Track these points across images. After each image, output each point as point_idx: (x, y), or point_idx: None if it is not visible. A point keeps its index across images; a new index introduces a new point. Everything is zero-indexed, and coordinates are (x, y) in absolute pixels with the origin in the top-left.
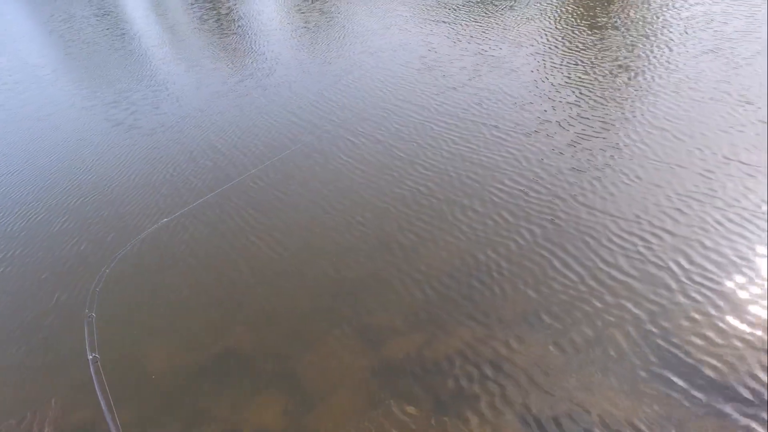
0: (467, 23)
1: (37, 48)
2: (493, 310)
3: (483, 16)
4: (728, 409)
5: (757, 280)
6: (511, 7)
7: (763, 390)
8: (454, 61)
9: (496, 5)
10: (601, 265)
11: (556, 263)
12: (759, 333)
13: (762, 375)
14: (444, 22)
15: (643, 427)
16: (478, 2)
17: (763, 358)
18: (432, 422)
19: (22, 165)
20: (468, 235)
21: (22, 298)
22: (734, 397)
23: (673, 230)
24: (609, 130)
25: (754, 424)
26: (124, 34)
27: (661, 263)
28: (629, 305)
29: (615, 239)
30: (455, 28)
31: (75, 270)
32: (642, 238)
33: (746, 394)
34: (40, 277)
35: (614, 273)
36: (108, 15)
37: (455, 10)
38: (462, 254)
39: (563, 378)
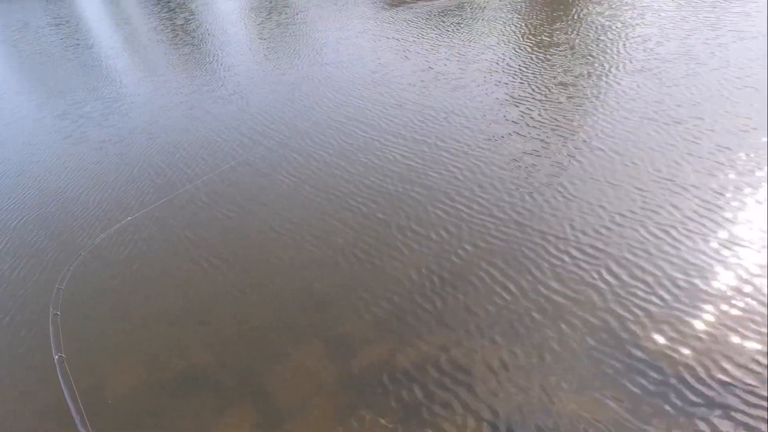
0: (417, 39)
1: None
2: (454, 319)
3: (433, 32)
4: (675, 408)
5: (686, 291)
6: (458, 24)
7: (704, 389)
8: (402, 77)
9: (444, 22)
10: (542, 278)
11: (498, 276)
12: (686, 341)
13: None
14: (395, 38)
15: (608, 427)
16: (428, 18)
17: (707, 361)
18: None
19: None
20: (424, 248)
21: None
22: (682, 396)
23: (604, 247)
24: (548, 148)
25: (699, 422)
26: (78, 44)
27: (592, 277)
28: (584, 314)
29: (553, 254)
30: (405, 44)
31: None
32: (573, 254)
33: (689, 393)
34: None
35: (554, 285)
36: (63, 24)
37: (407, 24)
38: (418, 267)
39: (528, 382)
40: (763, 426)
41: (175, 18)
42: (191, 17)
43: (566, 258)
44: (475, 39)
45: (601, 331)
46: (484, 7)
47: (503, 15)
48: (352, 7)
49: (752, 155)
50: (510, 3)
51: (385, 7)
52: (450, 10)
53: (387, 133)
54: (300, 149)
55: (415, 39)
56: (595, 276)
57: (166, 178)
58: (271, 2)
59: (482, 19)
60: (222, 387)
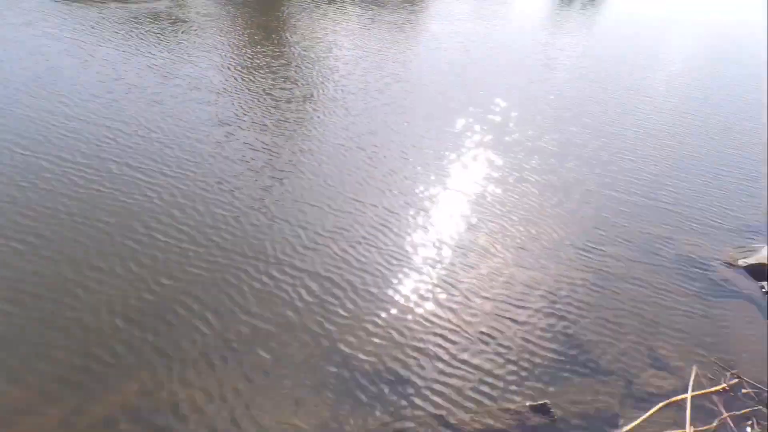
0: (103, 43)
1: None
2: (148, 362)
3: (125, 38)
4: (370, 400)
5: (368, 298)
6: (157, 33)
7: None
8: (82, 87)
9: (140, 29)
10: (244, 304)
11: (197, 308)
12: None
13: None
14: (73, 39)
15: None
16: (121, 23)
17: (386, 357)
18: None
19: None
20: (107, 287)
21: None
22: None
23: (301, 265)
24: (253, 170)
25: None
26: None
27: (291, 296)
28: (282, 333)
29: (255, 277)
30: (87, 47)
31: None
32: (274, 275)
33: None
34: None
35: (255, 309)
36: None
37: (92, 26)
38: (98, 311)
39: (234, 409)
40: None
41: None
42: None
43: (267, 280)
44: (175, 52)
45: (299, 347)
46: (186, 21)
47: (205, 29)
48: None
49: (411, 179)
50: (212, 19)
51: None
52: (146, 17)
53: (62, 151)
54: None
55: (100, 43)
56: (294, 295)
57: None
58: None
59: (184, 32)
60: None
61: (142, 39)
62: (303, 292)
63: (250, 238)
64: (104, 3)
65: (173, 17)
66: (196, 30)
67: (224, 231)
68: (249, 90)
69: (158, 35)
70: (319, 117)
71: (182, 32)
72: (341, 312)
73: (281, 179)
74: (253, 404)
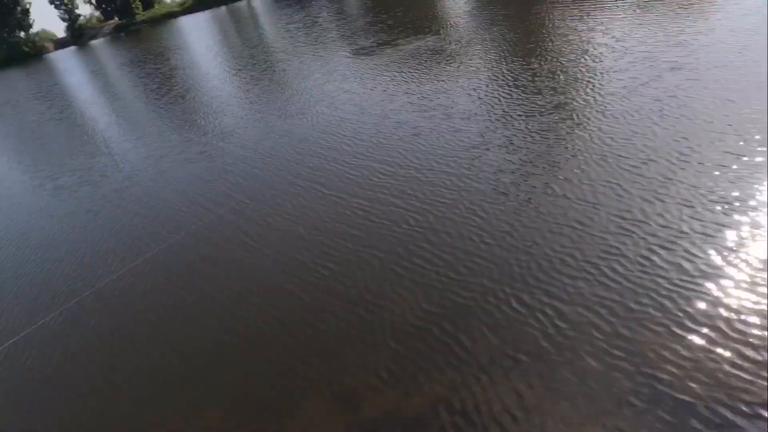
0: (379, 86)
1: None
2: (463, 356)
3: (399, 76)
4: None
5: None
6: (439, 51)
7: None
8: (361, 129)
9: (412, 60)
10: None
11: (516, 304)
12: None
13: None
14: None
15: None
16: (401, 61)
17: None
18: None
19: None
20: (422, 286)
21: None
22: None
23: (561, 294)
24: (504, 193)
25: None
26: (60, 115)
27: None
28: (593, 340)
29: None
30: (363, 92)
31: None
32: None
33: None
34: None
35: (562, 307)
36: (45, 96)
37: (398, 63)
38: (420, 306)
39: (545, 414)
40: None
41: (167, 88)
42: (168, 79)
43: (519, 305)
44: (431, 85)
45: (607, 355)
46: (443, 52)
47: (460, 58)
48: (331, 53)
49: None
50: (468, 47)
51: (364, 52)
52: (410, 55)
53: (347, 187)
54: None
55: (373, 86)
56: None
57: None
58: (247, 57)
59: (440, 64)
60: None
61: (404, 77)
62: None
63: (501, 262)
64: (381, 48)
65: (433, 51)
66: (450, 61)
67: (476, 256)
68: (498, 110)
69: (417, 71)
70: (572, 126)
71: (438, 64)
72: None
73: (533, 200)
74: (547, 412)
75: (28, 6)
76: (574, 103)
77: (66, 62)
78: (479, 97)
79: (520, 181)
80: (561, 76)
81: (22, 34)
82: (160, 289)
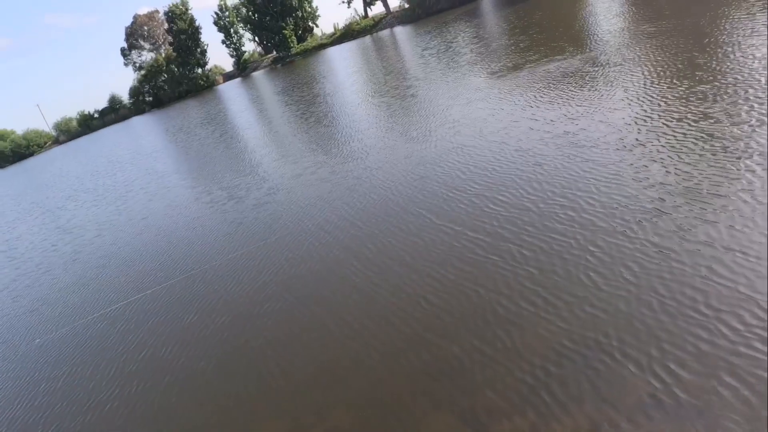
0: (514, 111)
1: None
2: (606, 393)
3: (537, 100)
4: None
5: None
6: (572, 73)
7: None
8: (505, 144)
9: (555, 82)
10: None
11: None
12: None
13: None
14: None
15: None
16: (543, 82)
17: None
18: None
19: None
20: (574, 315)
21: None
22: None
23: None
24: (629, 237)
25: None
26: (224, 136)
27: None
28: None
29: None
30: (497, 116)
31: None
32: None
33: None
34: None
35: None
36: (211, 122)
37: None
38: (568, 334)
39: None
40: None
41: (309, 111)
42: (311, 105)
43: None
44: (565, 109)
45: None
46: (587, 73)
47: (607, 78)
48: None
49: None
50: (621, 65)
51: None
52: (554, 77)
53: (473, 225)
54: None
55: (511, 110)
56: None
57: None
58: (381, 83)
59: (580, 87)
60: None
61: (531, 101)
62: None
63: (615, 311)
64: (511, 71)
65: (566, 74)
66: (584, 84)
67: (595, 305)
68: (634, 137)
69: (545, 95)
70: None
71: (570, 88)
72: None
73: (664, 243)
74: None
75: (206, 47)
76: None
77: (231, 92)
78: (613, 124)
79: (651, 221)
80: (725, 104)
81: (200, 70)
82: (279, 297)
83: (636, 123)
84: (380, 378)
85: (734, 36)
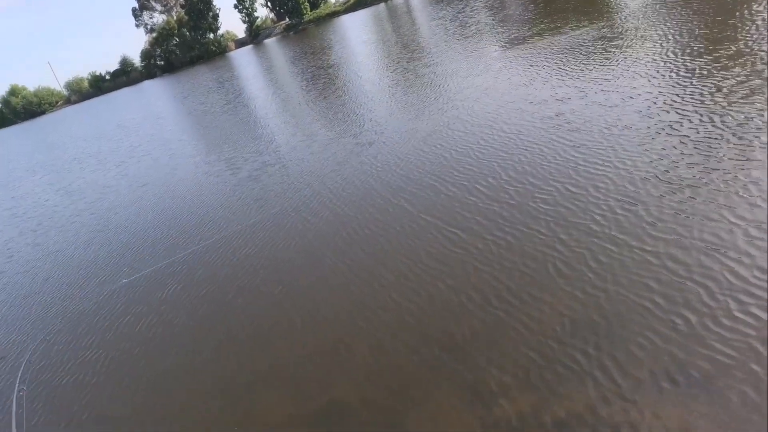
0: (523, 86)
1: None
2: (619, 369)
3: (548, 71)
4: None
5: None
6: (595, 42)
7: None
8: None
9: (567, 54)
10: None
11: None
12: None
13: None
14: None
15: None
16: (559, 54)
17: None
18: None
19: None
20: (588, 289)
21: None
22: None
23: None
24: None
25: None
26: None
27: None
28: None
29: None
30: (502, 93)
31: None
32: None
33: None
34: None
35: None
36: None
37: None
38: (582, 308)
39: None
40: None
41: (317, 80)
42: (322, 71)
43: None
44: (578, 85)
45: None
46: (606, 46)
47: (622, 53)
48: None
49: None
50: (640, 39)
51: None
52: (568, 48)
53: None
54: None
55: (521, 84)
56: None
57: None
58: (396, 52)
59: (594, 62)
60: (363, 425)
61: (549, 71)
62: None
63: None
64: (527, 41)
65: (593, 44)
66: (605, 55)
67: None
68: (664, 119)
69: (564, 66)
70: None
71: (590, 59)
72: None
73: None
74: None
75: (218, 11)
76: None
77: (242, 59)
78: (630, 100)
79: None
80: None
81: (211, 35)
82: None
83: (655, 100)
84: (385, 354)
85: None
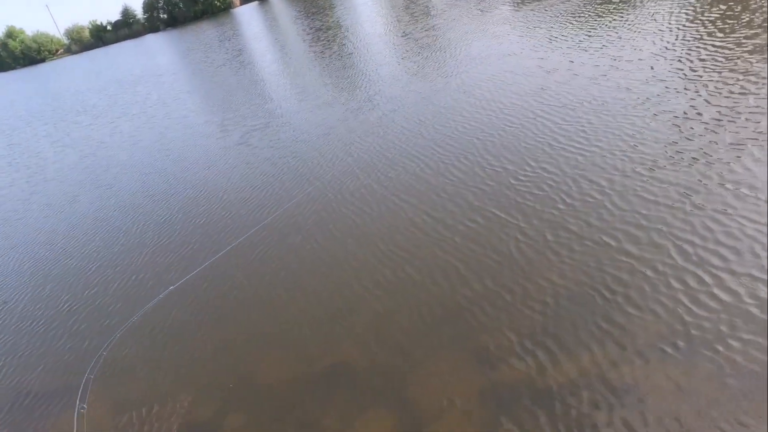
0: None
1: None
2: (621, 333)
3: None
4: None
5: None
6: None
7: None
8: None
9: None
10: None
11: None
12: None
13: None
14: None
15: None
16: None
17: None
18: None
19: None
20: (592, 250)
21: None
22: None
23: None
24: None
25: None
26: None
27: None
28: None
29: None
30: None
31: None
32: None
33: None
34: None
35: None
36: (227, 41)
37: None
38: (586, 271)
39: (704, 410)
40: None
41: (321, 38)
42: (325, 32)
43: None
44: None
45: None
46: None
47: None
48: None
49: None
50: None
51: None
52: (581, 10)
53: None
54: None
55: (532, 48)
56: None
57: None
58: (410, 15)
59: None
60: (366, 386)
61: (558, 34)
62: None
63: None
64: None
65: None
66: (624, 15)
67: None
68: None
69: (577, 25)
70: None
71: (605, 18)
72: None
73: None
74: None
75: None
76: None
77: (247, 16)
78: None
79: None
80: None
81: None
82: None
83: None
84: (389, 317)
85: None
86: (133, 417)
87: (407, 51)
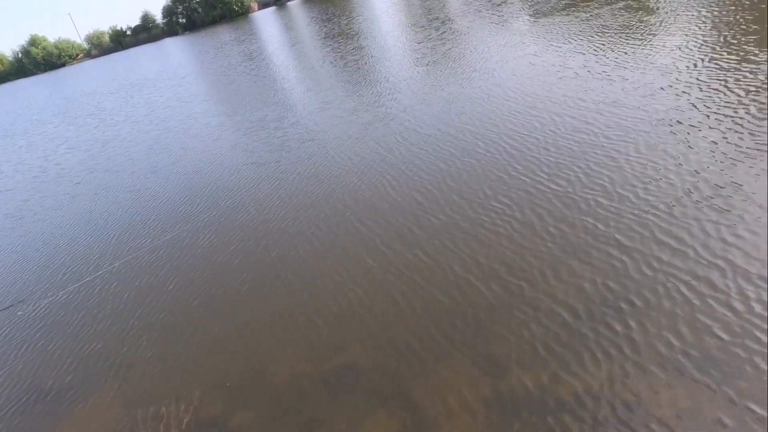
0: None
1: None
2: (628, 348)
3: (577, 46)
4: None
5: None
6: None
7: None
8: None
9: (596, 29)
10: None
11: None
12: None
13: None
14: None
15: None
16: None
17: None
18: None
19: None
20: (601, 264)
21: None
22: None
23: None
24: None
25: None
26: (254, 61)
27: None
28: None
29: None
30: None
31: None
32: None
33: None
34: None
35: None
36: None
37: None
38: (594, 284)
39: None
40: None
41: (342, 45)
42: (341, 36)
43: None
44: (605, 60)
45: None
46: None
47: (654, 27)
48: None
49: None
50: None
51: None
52: (593, 24)
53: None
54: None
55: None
56: None
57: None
58: (426, 22)
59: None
60: (373, 388)
61: (580, 45)
62: None
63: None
64: (565, 12)
65: (615, 18)
66: (640, 30)
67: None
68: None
69: (595, 40)
70: None
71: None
72: None
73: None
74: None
75: None
76: None
77: (264, 20)
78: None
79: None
80: None
81: None
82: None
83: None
84: (399, 321)
85: None
86: (141, 414)
87: (417, 52)
